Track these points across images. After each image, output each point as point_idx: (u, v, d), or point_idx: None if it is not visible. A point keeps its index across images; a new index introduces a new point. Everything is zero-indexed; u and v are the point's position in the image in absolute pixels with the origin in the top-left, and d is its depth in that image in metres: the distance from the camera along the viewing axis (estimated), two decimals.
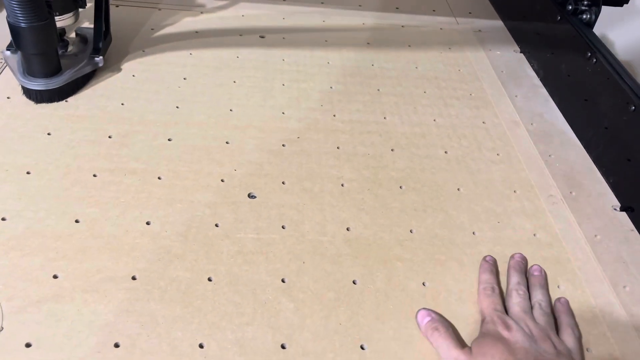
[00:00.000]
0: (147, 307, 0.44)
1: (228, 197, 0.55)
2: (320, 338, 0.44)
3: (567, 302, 0.49)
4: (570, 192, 0.61)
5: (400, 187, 0.59)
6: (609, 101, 0.64)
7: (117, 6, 0.82)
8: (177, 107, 0.65)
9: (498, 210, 0.58)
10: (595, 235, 0.57)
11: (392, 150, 0.63)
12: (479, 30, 0.90)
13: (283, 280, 0.48)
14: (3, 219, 0.49)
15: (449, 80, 0.77)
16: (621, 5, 0.78)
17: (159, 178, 0.56)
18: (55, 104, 0.63)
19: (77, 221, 0.50)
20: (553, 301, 0.49)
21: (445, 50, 0.84)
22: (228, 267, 0.48)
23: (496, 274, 0.51)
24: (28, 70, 0.61)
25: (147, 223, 0.51)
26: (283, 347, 0.43)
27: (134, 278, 0.46)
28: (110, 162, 0.56)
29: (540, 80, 0.79)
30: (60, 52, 0.66)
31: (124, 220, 0.51)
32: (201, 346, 0.42)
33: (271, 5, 0.88)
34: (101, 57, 0.66)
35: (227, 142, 0.61)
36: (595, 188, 0.62)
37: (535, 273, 0.51)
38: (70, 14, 0.64)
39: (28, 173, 0.54)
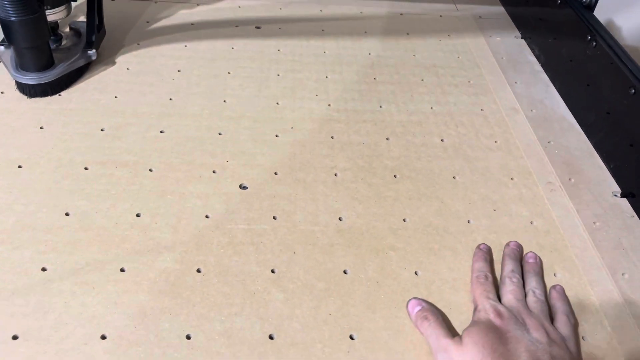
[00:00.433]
0: (135, 298, 0.44)
1: (219, 189, 0.54)
2: (310, 328, 0.44)
3: (563, 290, 0.48)
4: (570, 179, 0.60)
5: (395, 176, 0.58)
6: (609, 85, 0.63)
7: (112, 0, 0.82)
8: (170, 99, 0.65)
9: (494, 198, 0.57)
10: (594, 222, 0.55)
11: (387, 139, 0.63)
12: (480, 17, 0.89)
13: (273, 271, 0.48)
14: None
15: (448, 68, 0.76)
16: None
17: (151, 170, 0.55)
18: (48, 97, 0.63)
19: (67, 214, 0.50)
20: (548, 289, 0.48)
21: (445, 38, 0.83)
22: (218, 258, 0.48)
23: (490, 262, 0.50)
24: (21, 64, 0.61)
25: (137, 215, 0.51)
26: (271, 337, 0.43)
27: (122, 270, 0.46)
28: (102, 154, 0.56)
29: (541, 65, 0.78)
30: (53, 46, 0.66)
31: (114, 213, 0.51)
32: (188, 337, 0.42)
33: None
34: (94, 50, 0.66)
35: (220, 133, 0.61)
36: (596, 174, 0.61)
37: (530, 260, 0.50)
38: (62, 8, 0.63)
39: (19, 167, 0.54)
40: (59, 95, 0.63)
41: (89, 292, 0.44)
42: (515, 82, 0.74)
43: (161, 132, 0.60)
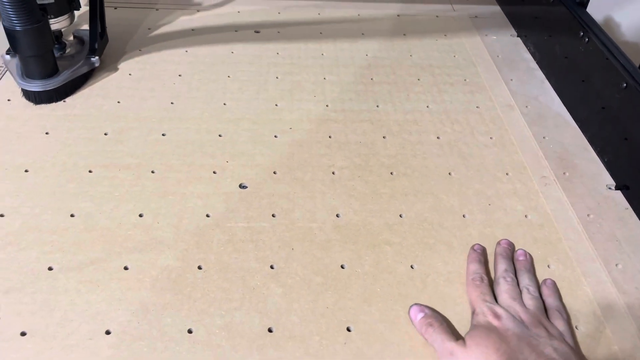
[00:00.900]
0: (138, 295, 0.46)
1: (219, 188, 0.56)
2: (307, 321, 0.45)
3: (553, 284, 0.49)
4: (564, 173, 0.61)
5: (391, 173, 0.59)
6: (602, 80, 0.64)
7: (115, 8, 0.84)
8: (171, 103, 0.66)
9: (489, 193, 0.58)
10: (588, 215, 0.56)
11: (383, 137, 0.64)
12: (476, 16, 0.90)
13: (272, 267, 0.49)
14: (1, 216, 0.51)
15: (444, 67, 0.77)
16: None
17: (153, 172, 0.57)
18: (53, 104, 0.64)
19: (72, 215, 0.51)
20: (540, 283, 0.49)
21: (441, 38, 0.84)
22: (218, 256, 0.49)
23: (485, 263, 0.51)
24: (26, 72, 0.63)
25: (140, 215, 0.52)
26: (270, 330, 0.44)
27: (126, 268, 0.47)
28: (105, 158, 0.58)
29: (537, 63, 0.79)
30: (58, 53, 0.68)
31: (118, 214, 0.52)
32: (190, 331, 0.43)
33: (267, 0, 0.89)
34: (97, 57, 0.68)
35: (220, 135, 0.62)
36: (590, 168, 0.62)
37: (520, 258, 0.51)
38: (65, 16, 0.65)
39: (26, 171, 0.55)
40: (64, 101, 0.65)
41: (93, 290, 0.46)
42: (511, 80, 0.75)
43: (163, 135, 0.61)
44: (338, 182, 0.58)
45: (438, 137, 0.65)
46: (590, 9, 0.73)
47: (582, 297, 0.49)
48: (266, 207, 0.54)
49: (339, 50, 0.79)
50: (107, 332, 0.43)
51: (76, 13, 0.69)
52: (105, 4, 0.70)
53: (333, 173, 0.59)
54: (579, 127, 0.67)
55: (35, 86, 0.63)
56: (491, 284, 0.49)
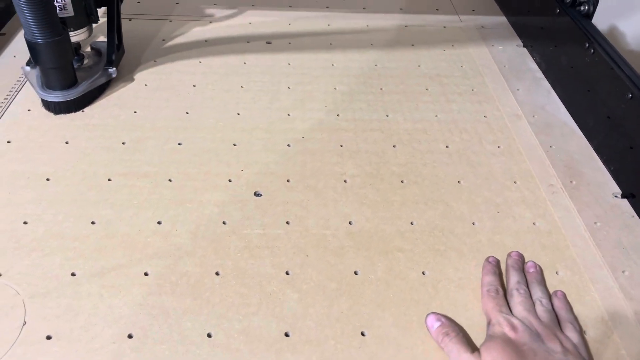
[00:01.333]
0: (159, 300, 0.47)
1: (235, 196, 0.57)
2: (323, 326, 0.46)
3: (564, 296, 0.50)
4: (571, 181, 0.62)
5: (402, 182, 0.61)
6: (608, 90, 0.65)
7: (130, 20, 0.86)
8: (187, 113, 0.68)
9: (498, 201, 0.59)
10: (595, 222, 0.57)
11: (394, 146, 0.65)
12: (482, 27, 0.92)
13: (287, 273, 0.50)
14: (25, 223, 0.53)
15: (452, 77, 0.79)
16: None
17: (170, 180, 0.58)
18: (72, 114, 0.66)
19: (93, 223, 0.53)
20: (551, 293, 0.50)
21: (449, 48, 0.85)
22: (235, 262, 0.51)
23: (500, 275, 0.51)
24: (46, 83, 0.65)
25: (159, 222, 0.54)
26: (287, 335, 0.45)
27: (146, 274, 0.49)
28: (124, 166, 0.60)
29: (543, 73, 0.80)
30: (76, 65, 0.69)
31: (137, 221, 0.54)
32: (209, 335, 0.45)
33: (278, 11, 0.91)
34: (114, 69, 0.70)
35: (234, 144, 0.64)
36: (596, 177, 0.63)
37: (531, 270, 0.52)
38: (84, 29, 0.67)
39: (47, 180, 0.57)
40: (82, 111, 0.67)
41: (115, 295, 0.47)
42: (518, 89, 0.77)
43: (179, 144, 0.63)
44: (350, 190, 0.59)
45: (447, 146, 0.66)
46: (595, 19, 0.74)
47: (590, 302, 0.50)
48: (281, 214, 0.56)
49: (348, 60, 0.81)
50: (130, 336, 0.44)
51: (94, 25, 0.71)
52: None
53: (345, 181, 0.60)
54: (585, 136, 0.69)
55: (56, 97, 0.64)
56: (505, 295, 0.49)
